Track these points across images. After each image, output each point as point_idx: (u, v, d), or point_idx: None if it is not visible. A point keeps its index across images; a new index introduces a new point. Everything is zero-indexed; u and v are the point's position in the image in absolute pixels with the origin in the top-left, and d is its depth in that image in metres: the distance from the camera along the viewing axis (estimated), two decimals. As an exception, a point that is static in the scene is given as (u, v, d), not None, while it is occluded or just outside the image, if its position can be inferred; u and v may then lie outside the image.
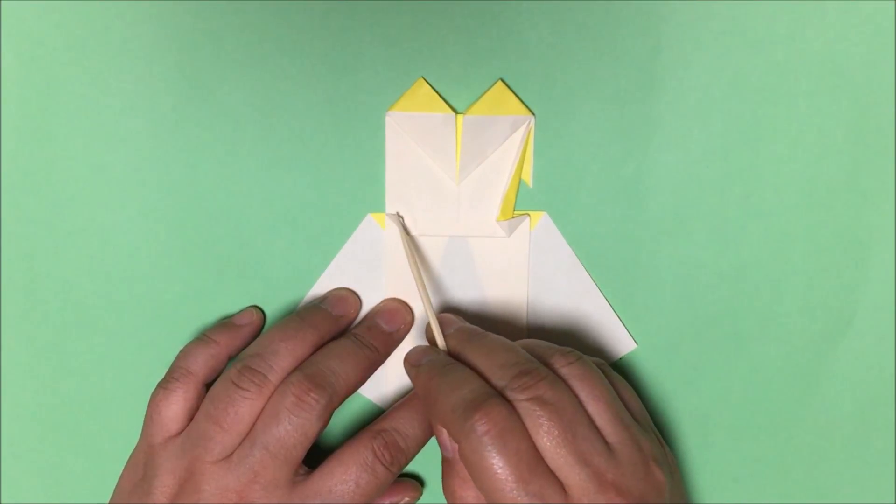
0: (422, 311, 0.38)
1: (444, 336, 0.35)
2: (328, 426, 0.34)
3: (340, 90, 0.36)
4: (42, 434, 0.39)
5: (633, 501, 0.30)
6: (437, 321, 0.35)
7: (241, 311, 0.37)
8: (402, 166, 0.36)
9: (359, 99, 0.36)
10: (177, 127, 0.36)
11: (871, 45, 0.36)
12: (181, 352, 0.36)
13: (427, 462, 0.39)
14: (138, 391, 0.37)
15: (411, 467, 0.39)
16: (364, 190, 0.37)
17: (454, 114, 0.36)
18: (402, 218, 0.37)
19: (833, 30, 0.35)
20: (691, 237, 0.37)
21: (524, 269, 0.37)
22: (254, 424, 0.33)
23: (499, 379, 0.31)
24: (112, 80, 0.35)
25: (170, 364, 0.36)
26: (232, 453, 0.33)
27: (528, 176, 0.37)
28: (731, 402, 0.39)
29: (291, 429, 0.32)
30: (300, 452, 0.33)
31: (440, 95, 0.36)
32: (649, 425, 0.34)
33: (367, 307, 0.38)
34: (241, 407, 0.33)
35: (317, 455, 0.34)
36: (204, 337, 0.36)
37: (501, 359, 0.32)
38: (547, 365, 0.32)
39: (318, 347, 0.35)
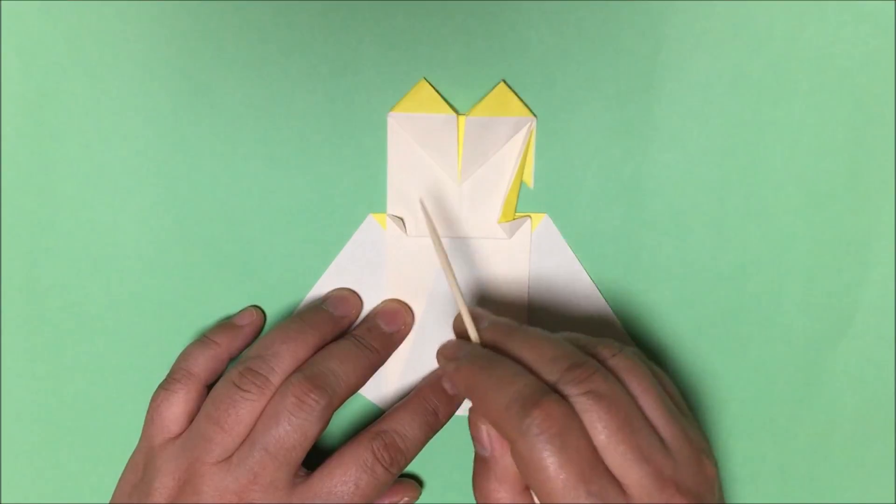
0: (423, 308, 0.38)
1: (479, 330, 0.33)
2: (328, 427, 0.34)
3: (342, 91, 0.36)
4: (42, 434, 0.39)
5: (692, 497, 0.29)
6: (468, 312, 0.34)
7: (242, 311, 0.37)
8: (404, 167, 0.36)
9: (360, 100, 0.36)
10: (177, 127, 0.36)
11: (871, 45, 0.36)
12: (182, 353, 0.36)
13: (427, 462, 0.39)
14: (139, 392, 0.37)
15: (411, 467, 0.39)
16: (365, 190, 0.37)
17: (456, 115, 0.36)
18: (426, 208, 0.36)
19: (833, 30, 0.35)
20: (691, 237, 0.37)
21: (525, 270, 0.37)
22: (254, 426, 0.33)
23: (549, 373, 0.30)
24: (112, 80, 0.35)
25: (170, 365, 0.36)
26: (232, 455, 0.33)
27: (529, 178, 0.37)
28: (731, 401, 0.39)
29: (291, 430, 0.32)
30: (300, 453, 0.33)
31: (442, 96, 0.36)
32: (689, 413, 0.33)
33: (367, 307, 0.38)
34: (242, 408, 0.33)
35: (317, 456, 0.34)
36: (205, 338, 0.36)
37: (549, 352, 0.31)
38: (594, 357, 0.31)
39: (320, 348, 0.35)
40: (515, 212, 0.37)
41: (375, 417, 0.36)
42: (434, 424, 0.35)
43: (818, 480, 0.40)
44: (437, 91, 0.36)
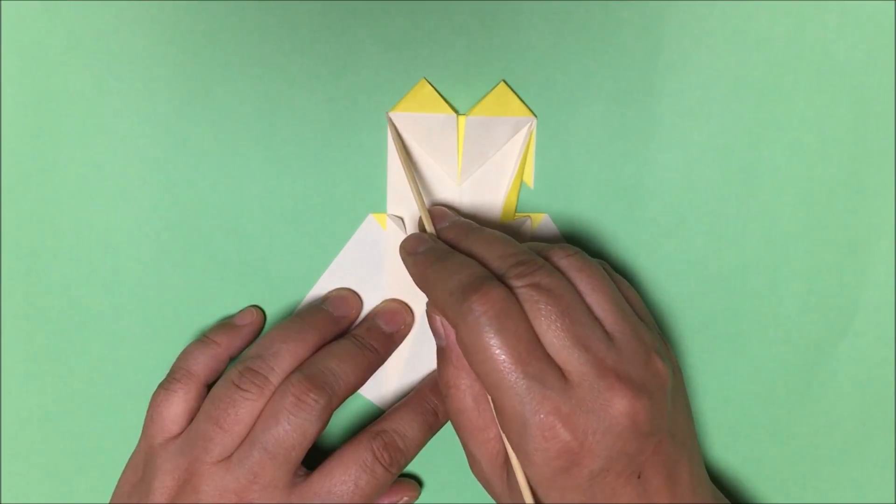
0: (423, 308, 0.38)
1: (440, 229, 0.34)
2: (328, 427, 0.34)
3: (342, 91, 0.36)
4: (42, 434, 0.39)
5: (634, 388, 0.29)
6: (427, 213, 0.34)
7: (242, 311, 0.37)
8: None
9: (360, 99, 0.36)
10: (177, 127, 0.36)
11: (871, 45, 0.36)
12: (182, 353, 0.36)
13: (427, 462, 0.39)
14: (139, 392, 0.37)
15: (411, 467, 0.39)
16: (365, 190, 0.37)
17: (456, 115, 0.36)
18: (396, 126, 0.36)
19: (833, 30, 0.35)
20: (691, 237, 0.37)
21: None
22: (254, 425, 0.33)
23: (496, 268, 0.31)
24: (112, 80, 0.35)
25: (170, 364, 0.36)
26: (232, 454, 0.33)
27: (529, 178, 0.37)
28: (731, 402, 0.39)
29: (290, 429, 0.32)
30: (299, 453, 0.33)
31: (442, 96, 0.36)
32: (651, 321, 0.34)
33: (367, 307, 0.38)
34: (242, 408, 0.33)
35: (316, 456, 0.34)
36: (205, 338, 0.36)
37: (499, 250, 0.32)
38: (546, 259, 0.32)
39: (320, 348, 0.35)
40: (515, 212, 0.37)
41: (375, 417, 0.36)
42: (434, 424, 0.35)
43: (818, 480, 0.40)
44: (437, 91, 0.36)
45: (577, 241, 0.37)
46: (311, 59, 0.35)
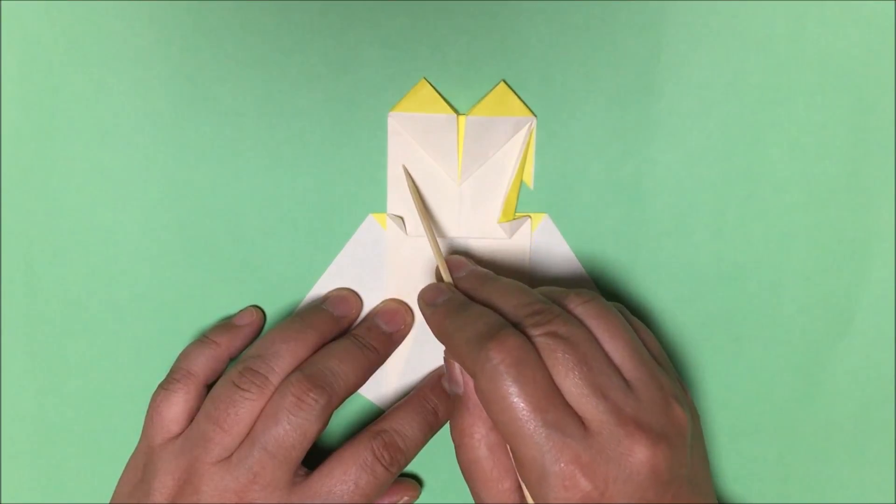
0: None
1: (457, 279, 0.35)
2: (328, 426, 0.34)
3: (342, 90, 0.36)
4: (42, 434, 0.39)
5: (654, 436, 0.29)
6: (445, 264, 0.35)
7: (242, 311, 0.37)
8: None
9: (360, 99, 0.36)
10: (177, 127, 0.36)
11: (871, 45, 0.36)
12: (182, 353, 0.36)
13: (427, 462, 0.39)
14: (139, 392, 0.37)
15: (411, 467, 0.39)
16: (365, 190, 0.37)
17: (456, 115, 0.36)
18: (409, 173, 0.36)
19: (833, 30, 0.35)
20: (691, 237, 0.37)
21: (525, 270, 0.37)
22: (254, 425, 0.33)
23: (513, 317, 0.31)
24: (112, 80, 0.35)
25: (170, 364, 0.36)
26: (232, 454, 0.33)
27: (529, 177, 0.37)
28: (731, 402, 0.39)
29: (290, 429, 0.32)
30: (299, 453, 0.33)
31: (442, 96, 0.36)
32: (669, 366, 0.34)
33: (367, 307, 0.38)
34: (242, 408, 0.33)
35: (317, 456, 0.34)
36: (204, 338, 0.36)
37: (516, 299, 0.32)
38: (562, 306, 0.32)
39: (320, 348, 0.35)
40: (515, 212, 0.37)
41: (375, 417, 0.36)
42: (434, 424, 0.35)
43: (818, 480, 0.40)
44: (437, 91, 0.36)
45: (578, 242, 0.37)
46: (311, 59, 0.35)
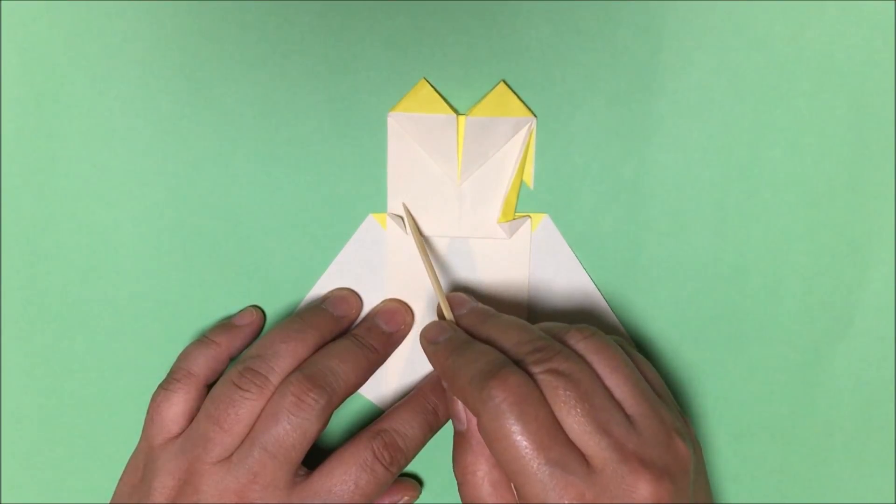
0: (423, 308, 0.38)
1: (458, 316, 0.35)
2: (328, 426, 0.34)
3: (342, 91, 0.36)
4: (42, 434, 0.39)
5: (657, 472, 0.29)
6: (446, 301, 0.35)
7: (242, 311, 0.37)
8: (404, 167, 0.36)
9: (360, 99, 0.36)
10: (177, 127, 0.36)
11: (871, 45, 0.36)
12: (182, 353, 0.36)
13: (426, 462, 0.39)
14: (139, 392, 0.37)
15: (411, 467, 0.39)
16: (365, 190, 0.37)
17: (456, 115, 0.36)
18: (409, 209, 0.37)
19: (833, 30, 0.35)
20: (691, 237, 0.37)
21: (525, 270, 0.37)
22: (254, 425, 0.33)
23: (514, 355, 0.31)
24: (112, 80, 0.35)
25: (170, 365, 0.36)
26: (232, 454, 0.33)
27: (529, 177, 0.37)
28: (731, 402, 0.39)
29: (290, 428, 0.32)
30: (299, 452, 0.33)
31: (442, 96, 0.36)
32: (671, 400, 0.34)
33: (368, 307, 0.38)
34: (242, 408, 0.33)
35: (317, 455, 0.34)
36: (205, 338, 0.36)
37: (516, 336, 0.32)
38: (563, 342, 0.32)
39: (320, 348, 0.35)
40: (515, 212, 0.37)
41: (375, 417, 0.36)
42: (434, 424, 0.35)
43: (818, 480, 0.40)
44: (437, 91, 0.36)
45: (578, 242, 0.37)
46: (312, 59, 0.35)
